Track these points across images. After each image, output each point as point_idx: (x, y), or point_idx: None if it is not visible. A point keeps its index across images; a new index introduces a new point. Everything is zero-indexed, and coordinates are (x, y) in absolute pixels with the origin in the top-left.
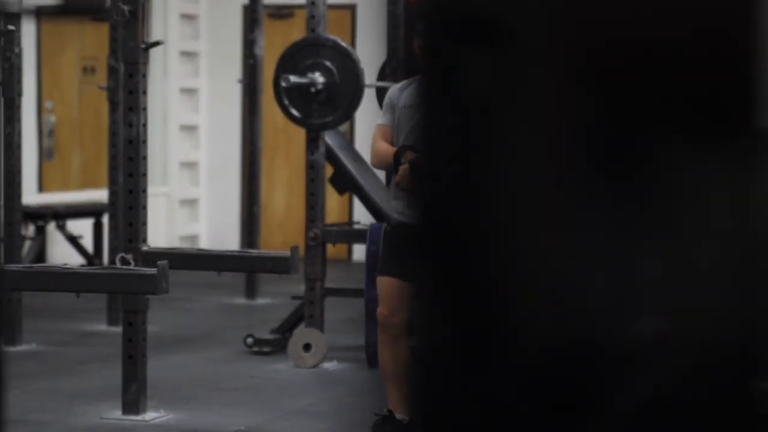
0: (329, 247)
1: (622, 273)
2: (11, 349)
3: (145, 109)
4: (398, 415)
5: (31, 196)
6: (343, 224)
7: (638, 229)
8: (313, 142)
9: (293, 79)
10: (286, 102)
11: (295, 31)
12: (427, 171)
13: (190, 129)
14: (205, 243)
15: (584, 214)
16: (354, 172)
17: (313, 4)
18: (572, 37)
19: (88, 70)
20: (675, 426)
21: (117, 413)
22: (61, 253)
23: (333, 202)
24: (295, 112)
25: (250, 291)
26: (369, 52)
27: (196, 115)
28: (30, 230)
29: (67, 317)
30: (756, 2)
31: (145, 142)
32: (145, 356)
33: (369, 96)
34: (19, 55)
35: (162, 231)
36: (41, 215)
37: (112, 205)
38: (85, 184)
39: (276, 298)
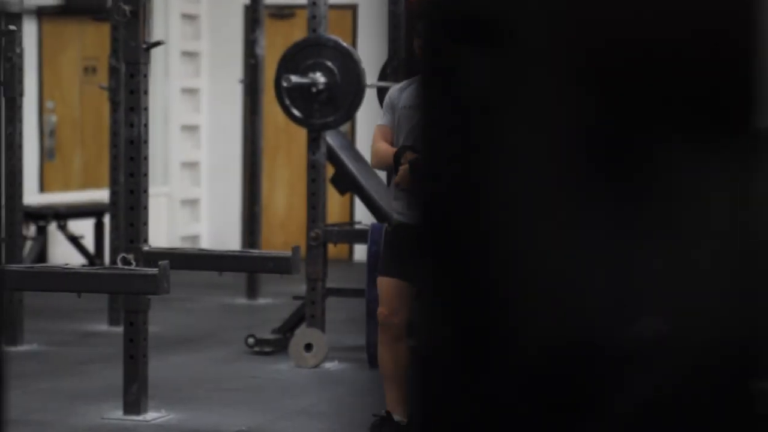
0: (330, 247)
1: (622, 273)
2: (12, 349)
3: (146, 109)
4: (396, 417)
5: (32, 196)
6: (345, 224)
7: (638, 229)
8: (314, 142)
9: (294, 79)
10: (288, 102)
11: (296, 31)
12: (426, 171)
13: (191, 129)
14: (206, 243)
15: (584, 214)
16: (355, 172)
17: (314, 4)
18: (572, 37)
19: (89, 70)
20: (675, 426)
21: (118, 413)
22: (63, 253)
23: (334, 202)
24: (296, 112)
25: (252, 291)
26: (370, 52)
27: (198, 115)
28: (31, 230)
29: (69, 317)
30: (756, 2)
31: (146, 142)
32: (147, 356)
33: (370, 96)
34: (20, 55)
35: (163, 231)
36: (42, 215)
37: (113, 205)
38: (86, 184)
39: (277, 298)
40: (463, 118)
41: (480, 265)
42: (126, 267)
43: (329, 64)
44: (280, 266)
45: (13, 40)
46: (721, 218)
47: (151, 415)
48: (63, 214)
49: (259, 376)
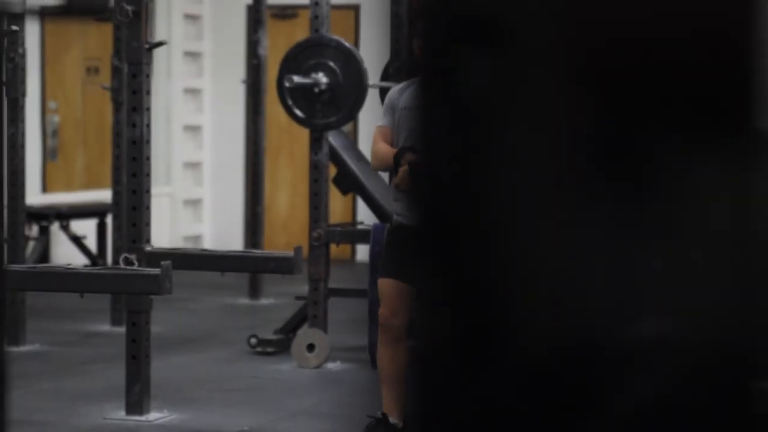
0: (333, 247)
1: (622, 273)
2: (15, 349)
3: (148, 109)
4: (392, 419)
5: (34, 196)
6: (347, 224)
7: (638, 229)
8: (316, 142)
9: (297, 79)
10: (290, 102)
11: (298, 31)
12: (426, 172)
13: (193, 129)
14: (208, 243)
15: (584, 214)
16: (357, 173)
17: (316, 4)
18: (572, 37)
19: (91, 71)
20: (675, 426)
21: (120, 413)
22: (65, 254)
23: (336, 203)
24: (298, 112)
25: (254, 291)
26: (372, 52)
27: (200, 115)
28: (33, 230)
29: (71, 317)
30: (756, 2)
31: (148, 142)
32: (149, 356)
33: (372, 96)
34: (22, 56)
35: (165, 231)
36: (45, 215)
37: (115, 206)
38: (88, 185)
39: (279, 299)
40: (462, 119)
41: (480, 265)
42: (128, 267)
43: (331, 64)
44: (282, 266)
45: (16, 40)
46: (721, 218)
47: (153, 416)
48: (65, 215)
49: (261, 377)
